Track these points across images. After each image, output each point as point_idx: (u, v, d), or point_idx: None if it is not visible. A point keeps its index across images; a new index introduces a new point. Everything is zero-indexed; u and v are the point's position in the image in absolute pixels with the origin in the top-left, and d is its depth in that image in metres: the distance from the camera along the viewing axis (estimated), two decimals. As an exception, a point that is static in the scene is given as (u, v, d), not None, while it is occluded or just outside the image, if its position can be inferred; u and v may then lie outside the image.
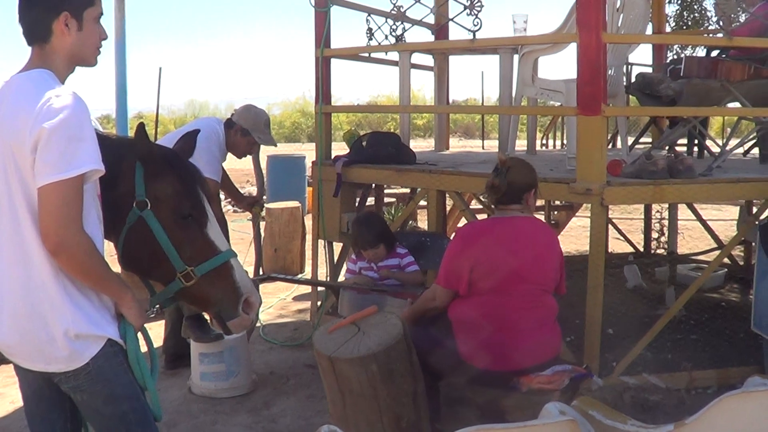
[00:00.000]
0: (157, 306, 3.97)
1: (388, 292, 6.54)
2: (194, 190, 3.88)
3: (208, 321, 7.43)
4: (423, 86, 55.06)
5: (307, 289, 10.53)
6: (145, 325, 3.73)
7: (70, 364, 3.43)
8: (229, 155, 7.72)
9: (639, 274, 10.26)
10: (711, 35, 13.91)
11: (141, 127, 3.78)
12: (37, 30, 3.48)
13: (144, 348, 3.73)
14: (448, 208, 9.74)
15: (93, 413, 3.65)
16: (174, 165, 3.87)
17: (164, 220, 3.72)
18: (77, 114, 3.27)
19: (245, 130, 7.47)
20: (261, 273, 8.29)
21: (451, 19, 7.96)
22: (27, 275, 3.36)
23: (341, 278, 8.06)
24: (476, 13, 7.45)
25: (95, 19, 3.60)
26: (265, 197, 18.45)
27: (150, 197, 3.70)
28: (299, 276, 11.84)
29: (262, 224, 10.77)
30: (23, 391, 3.85)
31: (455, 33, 11.29)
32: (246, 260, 8.30)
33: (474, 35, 7.50)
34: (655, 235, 12.08)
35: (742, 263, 11.12)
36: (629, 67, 9.60)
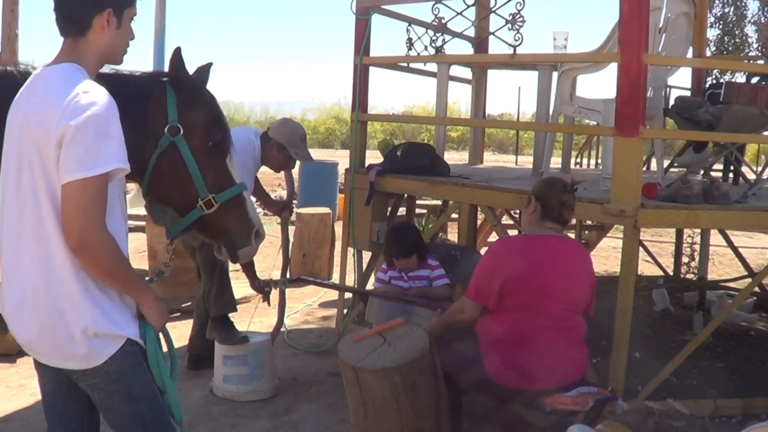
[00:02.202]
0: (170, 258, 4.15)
1: (417, 302, 6.50)
2: (224, 122, 4.05)
3: (233, 321, 7.44)
4: (459, 98, 54.86)
5: (333, 295, 10.51)
6: (169, 324, 3.72)
7: (88, 362, 3.42)
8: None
9: (667, 298, 10.19)
10: (752, 61, 13.83)
11: (177, 51, 3.88)
12: (77, 22, 3.46)
13: (164, 348, 3.72)
14: (478, 222, 9.70)
15: (110, 412, 3.64)
16: (204, 95, 4.02)
17: (195, 147, 3.85)
18: (105, 111, 3.25)
19: (281, 146, 7.46)
20: (289, 277, 8.26)
21: (493, 33, 7.95)
22: (48, 271, 3.34)
23: (369, 287, 8.03)
24: (518, 28, 7.43)
25: (131, 19, 3.63)
26: (295, 202, 18.49)
27: (183, 123, 3.82)
28: (328, 282, 11.81)
29: (292, 229, 10.76)
30: (42, 386, 3.86)
31: (495, 47, 11.21)
32: (274, 264, 8.29)
33: (514, 50, 7.47)
34: (685, 259, 12.01)
35: (772, 292, 11.04)
36: (668, 89, 9.55)
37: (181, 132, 3.79)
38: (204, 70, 4.24)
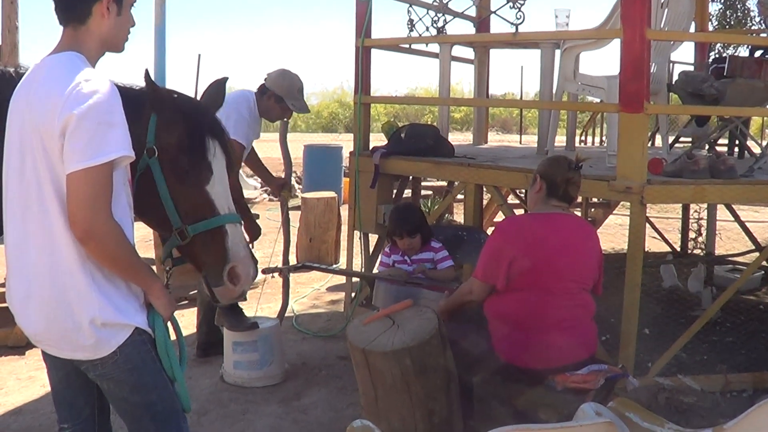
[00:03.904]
0: (169, 267, 3.96)
1: (424, 285, 6.48)
2: (199, 146, 3.79)
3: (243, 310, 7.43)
4: (461, 79, 54.89)
5: (340, 279, 10.51)
6: (176, 312, 3.69)
7: (97, 353, 3.41)
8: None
9: (675, 274, 10.19)
10: (754, 35, 13.80)
11: (146, 74, 3.72)
12: (77, 10, 3.44)
13: (172, 337, 3.71)
14: (484, 202, 9.69)
15: (120, 402, 3.64)
16: (187, 116, 3.79)
17: (166, 172, 3.68)
18: (107, 99, 3.23)
19: (279, 97, 7.48)
20: (290, 260, 8.25)
21: (494, 12, 7.95)
22: (54, 262, 3.33)
23: (375, 270, 8.02)
24: (519, 6, 7.41)
25: (131, 5, 3.60)
26: (295, 182, 18.41)
27: (158, 146, 3.66)
28: (333, 267, 11.81)
29: (296, 212, 10.74)
30: (51, 377, 3.85)
31: (497, 26, 11.21)
32: (275, 246, 8.28)
33: (516, 29, 7.45)
34: (692, 235, 11.99)
35: (779, 266, 11.03)
36: (671, 65, 9.52)
37: (156, 155, 3.66)
38: (217, 87, 4.15)
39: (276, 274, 7.55)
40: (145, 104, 3.72)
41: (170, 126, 3.72)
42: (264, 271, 7.39)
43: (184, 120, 3.76)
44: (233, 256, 3.80)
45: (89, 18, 3.43)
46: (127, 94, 3.62)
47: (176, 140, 3.71)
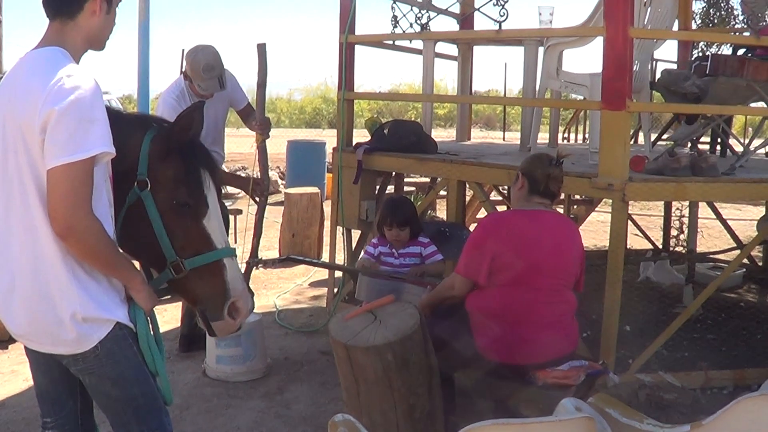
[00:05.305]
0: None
1: (407, 280, 6.48)
2: (197, 178, 3.74)
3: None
4: (445, 76, 55.04)
5: (323, 275, 10.51)
6: (159, 307, 3.69)
7: (78, 347, 3.41)
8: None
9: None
10: (737, 34, 13.84)
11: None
12: (68, 4, 3.43)
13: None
14: (467, 199, 9.70)
15: (102, 396, 3.65)
16: (183, 148, 3.73)
17: (161, 205, 3.63)
18: (89, 95, 3.22)
19: (189, 78, 7.34)
20: (273, 251, 8.17)
21: (478, 9, 7.95)
22: (36, 257, 3.33)
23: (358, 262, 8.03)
24: (503, 3, 7.43)
25: (117, 4, 3.60)
26: (278, 177, 18.33)
27: (151, 178, 3.61)
28: (318, 261, 11.81)
29: (280, 209, 10.66)
30: (33, 372, 3.87)
31: (480, 23, 11.21)
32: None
33: (500, 26, 7.47)
34: (674, 232, 12.02)
35: (760, 264, 11.07)
36: (654, 63, 9.55)
37: (149, 187, 3.62)
38: (193, 112, 4.09)
39: (261, 266, 7.50)
40: (134, 132, 3.66)
41: (166, 158, 3.66)
42: (248, 263, 7.38)
43: (180, 152, 3.71)
44: (233, 291, 3.77)
45: (79, 13, 3.43)
46: (120, 118, 3.62)
47: (174, 173, 3.66)
